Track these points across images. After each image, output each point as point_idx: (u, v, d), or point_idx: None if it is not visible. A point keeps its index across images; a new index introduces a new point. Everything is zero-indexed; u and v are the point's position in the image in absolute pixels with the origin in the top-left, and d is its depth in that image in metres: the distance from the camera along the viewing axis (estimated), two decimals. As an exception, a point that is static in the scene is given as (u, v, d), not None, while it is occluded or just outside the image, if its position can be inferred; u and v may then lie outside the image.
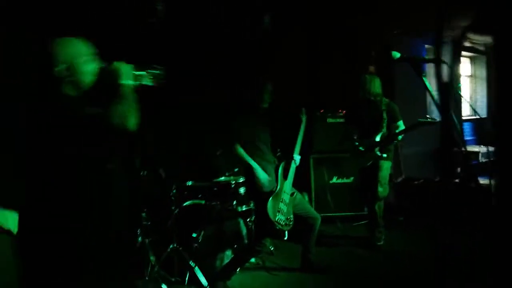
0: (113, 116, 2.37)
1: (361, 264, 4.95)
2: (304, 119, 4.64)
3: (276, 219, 4.15)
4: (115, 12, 4.77)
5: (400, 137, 5.07)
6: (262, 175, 4.20)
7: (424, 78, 2.17)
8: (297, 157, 4.53)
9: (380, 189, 5.16)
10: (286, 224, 4.24)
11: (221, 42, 5.80)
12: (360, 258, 5.11)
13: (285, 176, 4.39)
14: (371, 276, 4.64)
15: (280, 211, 4.20)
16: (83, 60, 2.49)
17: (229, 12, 5.81)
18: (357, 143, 5.18)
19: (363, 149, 5.13)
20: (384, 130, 5.12)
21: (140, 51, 5.05)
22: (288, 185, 4.38)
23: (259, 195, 4.24)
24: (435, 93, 2.36)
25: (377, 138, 5.08)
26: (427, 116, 8.72)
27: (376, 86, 5.16)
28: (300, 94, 6.41)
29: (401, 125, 5.15)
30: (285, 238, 4.78)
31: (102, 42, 2.62)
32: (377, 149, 5.05)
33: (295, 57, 6.65)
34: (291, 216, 4.31)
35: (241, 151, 4.19)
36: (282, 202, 4.23)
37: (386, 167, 5.21)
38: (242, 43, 6.02)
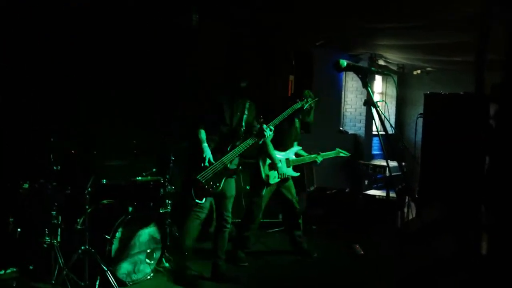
0: None
1: (274, 272, 4.96)
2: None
3: (199, 176, 4.13)
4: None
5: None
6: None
7: (369, 89, 2.17)
8: None
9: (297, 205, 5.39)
10: (209, 183, 4.19)
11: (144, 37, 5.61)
12: (273, 266, 5.12)
13: None
14: (284, 285, 4.66)
15: (207, 171, 4.18)
16: None
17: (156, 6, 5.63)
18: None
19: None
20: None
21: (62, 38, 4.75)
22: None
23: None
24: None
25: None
26: (341, 128, 9.03)
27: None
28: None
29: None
30: (211, 230, 4.72)
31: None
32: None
33: (216, 61, 6.57)
34: (216, 182, 4.23)
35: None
36: (212, 168, 4.20)
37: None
38: (166, 39, 5.86)
